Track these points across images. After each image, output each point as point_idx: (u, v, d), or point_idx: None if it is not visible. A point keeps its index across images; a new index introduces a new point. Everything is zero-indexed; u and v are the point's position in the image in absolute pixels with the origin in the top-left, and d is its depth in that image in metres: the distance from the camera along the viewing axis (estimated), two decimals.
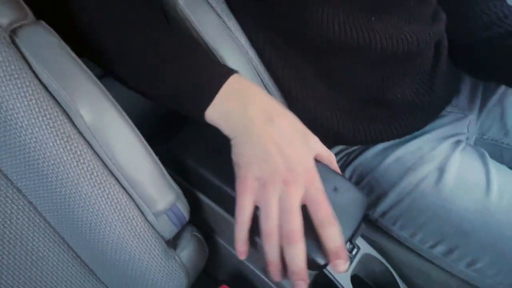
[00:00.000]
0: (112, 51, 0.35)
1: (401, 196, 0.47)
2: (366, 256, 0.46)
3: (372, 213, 0.51)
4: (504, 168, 0.47)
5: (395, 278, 0.45)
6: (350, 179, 0.53)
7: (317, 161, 0.38)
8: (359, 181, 0.52)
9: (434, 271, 0.46)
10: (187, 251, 0.40)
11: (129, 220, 0.33)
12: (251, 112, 0.31)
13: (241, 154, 0.32)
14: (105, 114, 0.31)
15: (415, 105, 0.52)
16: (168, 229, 0.36)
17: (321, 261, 0.32)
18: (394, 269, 0.46)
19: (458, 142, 0.52)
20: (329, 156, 0.36)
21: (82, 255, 0.37)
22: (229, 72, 0.33)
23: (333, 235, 0.30)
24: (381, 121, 0.52)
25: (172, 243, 0.39)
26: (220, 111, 0.32)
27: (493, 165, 0.47)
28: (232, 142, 0.32)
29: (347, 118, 0.51)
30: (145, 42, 0.34)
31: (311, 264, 0.32)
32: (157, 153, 0.36)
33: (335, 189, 0.37)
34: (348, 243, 0.45)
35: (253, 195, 0.31)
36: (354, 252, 0.45)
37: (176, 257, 0.38)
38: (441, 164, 0.47)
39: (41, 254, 0.35)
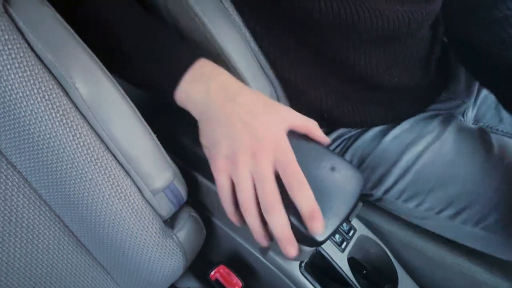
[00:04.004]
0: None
1: (405, 170, 0.47)
2: (363, 238, 0.46)
3: (376, 192, 0.51)
4: (501, 136, 0.48)
5: (390, 259, 0.45)
6: (350, 163, 0.53)
7: (310, 140, 0.38)
8: (360, 163, 0.52)
9: (430, 249, 0.46)
10: (185, 231, 0.40)
11: (126, 196, 0.33)
12: (213, 93, 0.32)
13: (208, 135, 0.32)
14: (101, 87, 0.31)
15: (412, 90, 0.52)
16: (166, 208, 0.36)
17: (319, 238, 0.33)
18: (390, 251, 0.46)
19: (451, 116, 0.52)
20: (306, 125, 0.34)
21: (78, 233, 0.37)
22: (195, 57, 0.34)
23: (304, 197, 0.30)
24: (378, 104, 0.52)
25: (170, 222, 0.39)
26: (186, 95, 0.33)
27: (490, 133, 0.48)
28: (200, 125, 0.33)
29: (343, 100, 0.51)
30: (116, 23, 0.35)
31: (309, 240, 0.32)
32: (155, 133, 0.35)
33: (332, 169, 0.37)
34: (345, 224, 0.46)
35: (226, 173, 0.31)
36: (351, 234, 0.45)
37: (174, 237, 0.38)
38: (439, 134, 0.47)
39: (36, 232, 0.35)
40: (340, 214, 0.34)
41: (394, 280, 0.44)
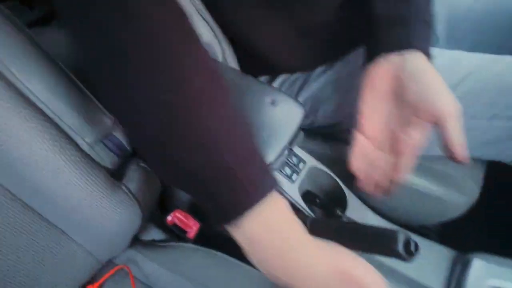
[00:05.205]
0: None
1: None
2: (313, 169, 0.48)
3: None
4: None
5: (339, 185, 0.48)
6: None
7: (252, 78, 0.38)
8: (320, 100, 0.53)
9: None
10: (135, 181, 0.40)
11: (62, 150, 0.32)
12: (277, 270, 0.28)
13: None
14: (18, 42, 0.29)
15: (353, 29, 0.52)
16: (108, 158, 0.36)
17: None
18: (339, 177, 0.49)
19: None
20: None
21: (21, 195, 0.36)
22: (266, 192, 0.27)
23: None
24: (324, 46, 0.52)
25: (117, 174, 0.39)
26: (244, 240, 0.28)
27: None
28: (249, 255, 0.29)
29: (287, 44, 0.51)
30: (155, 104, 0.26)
31: None
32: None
33: (273, 102, 0.38)
34: (295, 157, 0.48)
35: None
36: (300, 166, 0.47)
37: (123, 187, 0.38)
38: None
39: None
40: (280, 142, 0.36)
41: (344, 204, 0.48)
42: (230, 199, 0.26)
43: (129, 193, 0.38)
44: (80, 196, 0.35)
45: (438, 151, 0.48)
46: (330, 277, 0.27)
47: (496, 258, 0.43)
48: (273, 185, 0.27)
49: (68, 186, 0.34)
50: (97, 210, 0.37)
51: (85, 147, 0.34)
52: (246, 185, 0.26)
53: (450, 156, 0.37)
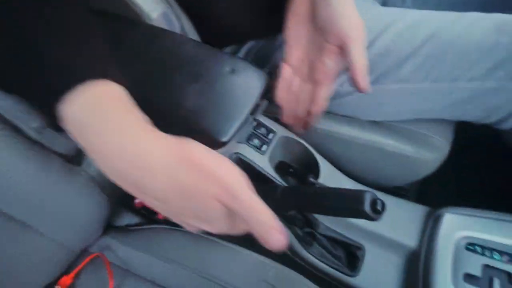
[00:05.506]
0: None
1: None
2: (284, 139, 0.47)
3: None
4: None
5: (311, 152, 0.48)
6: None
7: (210, 47, 0.36)
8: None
9: (345, 133, 0.49)
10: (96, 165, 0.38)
11: (9, 138, 0.30)
12: (112, 162, 0.25)
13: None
14: None
15: None
16: (61, 144, 0.34)
17: (223, 138, 0.33)
18: (311, 144, 0.48)
19: None
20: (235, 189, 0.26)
21: None
22: (85, 77, 0.26)
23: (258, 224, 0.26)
24: (277, 7, 0.50)
25: (76, 159, 0.37)
26: (71, 125, 0.26)
27: None
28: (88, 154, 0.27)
29: (248, 10, 0.49)
30: None
31: (213, 141, 0.32)
32: None
33: (232, 71, 0.37)
34: (263, 128, 0.47)
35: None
36: (270, 136, 0.46)
37: (83, 173, 0.36)
38: None
39: None
40: (241, 112, 0.34)
41: (316, 171, 0.47)
42: (54, 80, 0.26)
43: (90, 179, 0.37)
44: (36, 185, 0.33)
45: (407, 116, 0.49)
46: (172, 165, 0.25)
47: (467, 210, 0.44)
48: (100, 74, 0.26)
49: (21, 176, 0.32)
50: (58, 199, 0.35)
51: (32, 133, 0.31)
52: (65, 69, 0.26)
53: (353, 84, 0.38)
